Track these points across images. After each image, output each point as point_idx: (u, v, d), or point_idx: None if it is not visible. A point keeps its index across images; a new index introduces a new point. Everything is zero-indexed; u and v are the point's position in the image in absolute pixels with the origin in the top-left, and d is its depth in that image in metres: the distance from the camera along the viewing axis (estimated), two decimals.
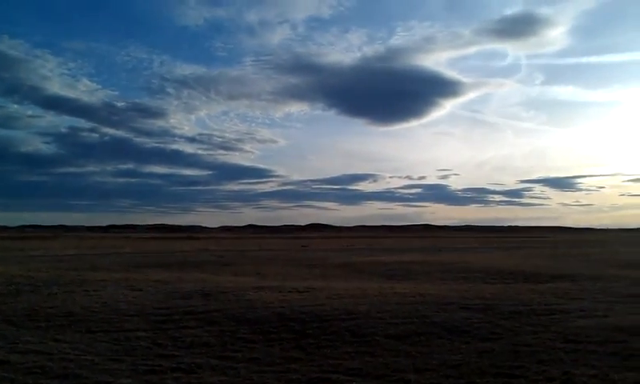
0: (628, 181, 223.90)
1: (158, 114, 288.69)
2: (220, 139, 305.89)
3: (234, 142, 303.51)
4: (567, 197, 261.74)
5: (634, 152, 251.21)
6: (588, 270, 30.58)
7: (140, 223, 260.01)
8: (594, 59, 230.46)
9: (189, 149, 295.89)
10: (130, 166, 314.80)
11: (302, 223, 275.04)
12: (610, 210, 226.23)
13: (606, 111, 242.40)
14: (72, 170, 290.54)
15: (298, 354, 10.50)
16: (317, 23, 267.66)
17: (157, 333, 12.42)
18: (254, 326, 12.96)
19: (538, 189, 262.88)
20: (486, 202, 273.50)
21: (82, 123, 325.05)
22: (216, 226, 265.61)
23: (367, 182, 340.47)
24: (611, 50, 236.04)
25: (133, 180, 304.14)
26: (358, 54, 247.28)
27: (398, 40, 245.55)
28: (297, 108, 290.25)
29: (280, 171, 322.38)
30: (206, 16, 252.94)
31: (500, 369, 9.32)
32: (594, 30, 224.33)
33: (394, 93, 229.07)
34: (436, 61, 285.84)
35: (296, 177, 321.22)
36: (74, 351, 10.72)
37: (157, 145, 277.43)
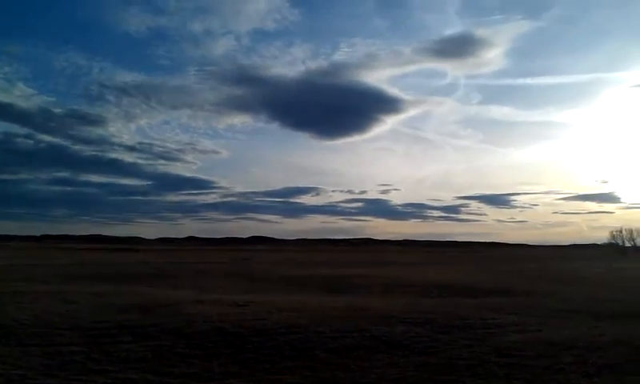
0: (560, 199, 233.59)
1: (97, 121, 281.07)
2: (161, 149, 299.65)
3: (175, 152, 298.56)
4: (502, 213, 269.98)
5: (567, 171, 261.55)
6: (522, 285, 31.56)
7: (76, 233, 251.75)
8: (528, 81, 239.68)
9: (128, 158, 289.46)
10: (66, 174, 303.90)
11: (244, 235, 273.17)
12: (543, 226, 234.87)
13: (539, 131, 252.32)
14: (5, 177, 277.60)
15: (236, 369, 10.35)
16: (261, 36, 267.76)
17: (91, 347, 11.99)
18: (191, 341, 12.70)
19: (474, 205, 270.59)
20: (425, 217, 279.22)
21: (17, 129, 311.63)
22: (155, 238, 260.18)
23: (309, 195, 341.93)
24: (544, 73, 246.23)
25: (69, 189, 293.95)
26: (302, 68, 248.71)
27: (341, 56, 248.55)
28: (240, 120, 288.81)
29: (222, 183, 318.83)
30: (148, 24, 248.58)
31: (437, 382, 9.47)
32: (528, 53, 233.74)
33: (337, 108, 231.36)
34: (378, 78, 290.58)
35: (238, 189, 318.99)
36: (3, 365, 10.23)
37: (95, 153, 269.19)
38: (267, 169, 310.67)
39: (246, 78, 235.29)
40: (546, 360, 10.99)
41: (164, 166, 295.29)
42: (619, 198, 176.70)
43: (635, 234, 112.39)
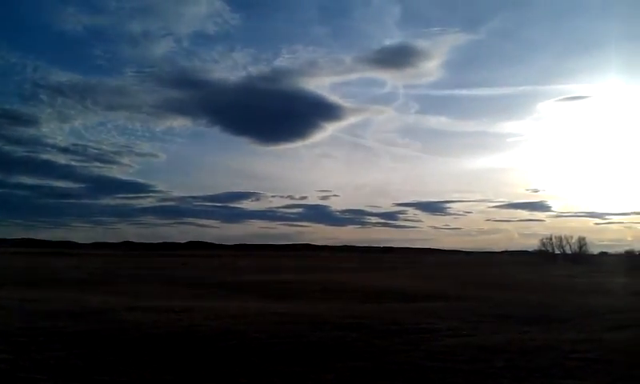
0: (493, 207, 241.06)
1: (29, 121, 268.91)
2: (96, 151, 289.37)
3: (111, 154, 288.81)
4: (438, 220, 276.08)
5: (499, 180, 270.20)
6: (456, 290, 32.39)
7: (5, 237, 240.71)
8: (465, 92, 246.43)
9: (61, 159, 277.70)
10: None
11: (182, 240, 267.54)
12: (477, 233, 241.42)
13: (474, 141, 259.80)
14: None
15: (170, 377, 10.15)
16: (202, 39, 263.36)
17: (19, 355, 11.51)
18: (124, 349, 12.40)
19: (411, 212, 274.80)
20: (364, 224, 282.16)
21: None
22: (89, 242, 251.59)
23: (249, 200, 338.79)
24: (480, 84, 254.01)
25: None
26: (243, 73, 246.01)
27: (282, 62, 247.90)
28: (179, 123, 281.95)
29: (160, 187, 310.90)
30: (85, 23, 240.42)
31: None
32: (465, 65, 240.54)
33: (278, 113, 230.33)
34: (319, 85, 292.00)
35: (176, 193, 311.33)
36: None
37: (26, 154, 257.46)
38: (207, 173, 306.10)
39: (185, 80, 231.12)
40: (479, 364, 11.27)
41: (99, 169, 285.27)
42: (549, 207, 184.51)
43: (564, 242, 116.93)
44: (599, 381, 9.99)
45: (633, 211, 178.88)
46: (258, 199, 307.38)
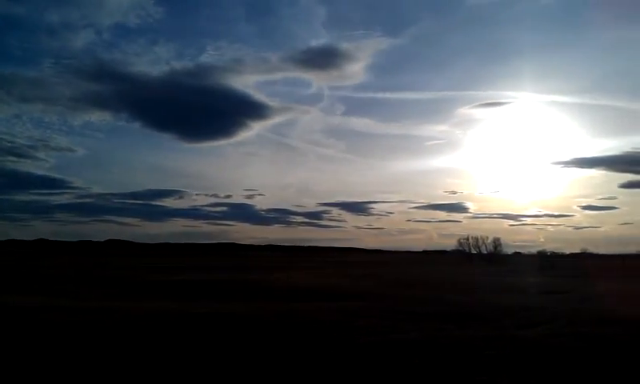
0: (413, 208, 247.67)
1: None
2: (9, 144, 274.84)
3: (25, 148, 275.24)
4: (361, 220, 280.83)
5: (419, 182, 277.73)
6: (377, 288, 32.94)
7: None
8: (388, 95, 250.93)
9: None
10: None
11: (101, 239, 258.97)
12: (398, 233, 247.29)
13: (396, 143, 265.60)
14: None
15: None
16: (123, 31, 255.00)
17: None
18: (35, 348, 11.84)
19: (335, 212, 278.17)
20: (289, 223, 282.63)
21: None
22: (1, 240, 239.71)
23: (172, 198, 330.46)
24: (403, 88, 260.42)
25: None
26: (166, 68, 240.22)
27: (207, 58, 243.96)
28: (98, 117, 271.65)
29: (77, 183, 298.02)
30: (0, 11, 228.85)
31: None
32: (388, 69, 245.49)
33: (203, 110, 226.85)
34: (245, 83, 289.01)
35: (95, 189, 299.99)
36: None
37: None
38: (127, 170, 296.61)
39: (106, 73, 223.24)
40: (395, 361, 11.45)
41: (13, 163, 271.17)
42: (467, 208, 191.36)
43: (480, 242, 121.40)
44: (512, 377, 10.37)
45: (545, 213, 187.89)
46: (181, 197, 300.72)
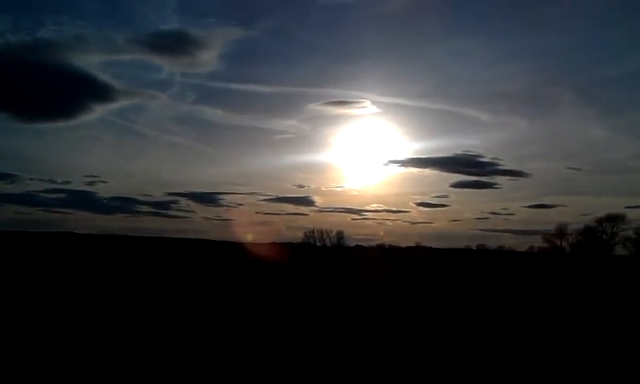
0: (263, 200, 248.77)
1: None
2: None
3: None
4: (210, 211, 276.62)
5: (269, 174, 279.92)
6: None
7: None
8: (240, 86, 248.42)
9: None
10: None
11: None
12: (247, 225, 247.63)
13: (248, 135, 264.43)
14: None
15: None
16: None
17: None
18: None
19: (184, 202, 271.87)
20: (134, 213, 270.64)
21: None
22: None
23: (3, 182, 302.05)
24: (255, 81, 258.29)
25: None
26: (0, 41, 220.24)
27: (47, 33, 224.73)
28: None
29: None
30: None
31: None
32: (241, 59, 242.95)
33: (40, 89, 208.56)
34: (88, 62, 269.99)
35: None
36: None
37: None
38: None
39: None
40: None
41: None
42: (313, 202, 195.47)
43: (325, 235, 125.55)
44: None
45: (384, 209, 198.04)
46: (13, 181, 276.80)
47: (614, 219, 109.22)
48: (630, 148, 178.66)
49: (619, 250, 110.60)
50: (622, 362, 12.82)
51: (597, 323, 19.22)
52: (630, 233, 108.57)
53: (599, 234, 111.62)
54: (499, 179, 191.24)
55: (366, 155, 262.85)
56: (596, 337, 16.31)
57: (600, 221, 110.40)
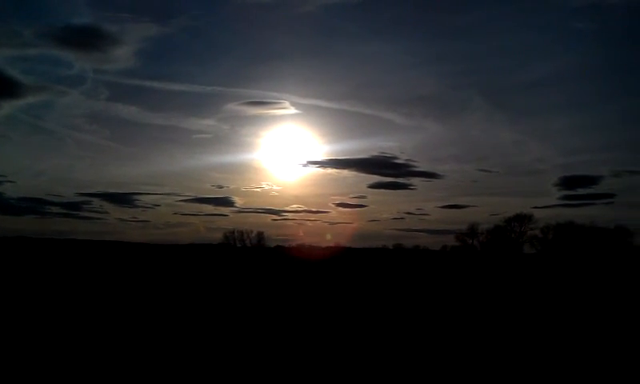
0: (181, 200, 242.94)
1: None
2: None
3: None
4: (125, 212, 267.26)
5: (187, 175, 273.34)
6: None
7: None
8: (155, 84, 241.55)
9: None
10: None
11: None
12: (164, 226, 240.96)
13: (164, 134, 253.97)
14: None
15: None
16: None
17: None
18: None
19: (97, 203, 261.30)
20: (44, 214, 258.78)
21: None
22: None
23: None
24: (170, 79, 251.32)
25: None
26: None
27: None
28: None
29: None
30: None
31: None
32: (156, 57, 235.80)
33: None
34: None
35: None
36: None
37: None
38: None
39: None
40: None
41: None
42: (233, 202, 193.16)
43: (245, 236, 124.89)
44: None
45: (304, 210, 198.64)
46: None
47: (521, 219, 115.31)
48: (536, 151, 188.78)
49: (527, 249, 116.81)
50: (529, 354, 13.32)
51: (509, 318, 20.00)
52: (537, 232, 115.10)
53: (508, 233, 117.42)
54: (414, 180, 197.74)
55: (285, 156, 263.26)
56: (508, 331, 16.95)
57: (509, 220, 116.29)
